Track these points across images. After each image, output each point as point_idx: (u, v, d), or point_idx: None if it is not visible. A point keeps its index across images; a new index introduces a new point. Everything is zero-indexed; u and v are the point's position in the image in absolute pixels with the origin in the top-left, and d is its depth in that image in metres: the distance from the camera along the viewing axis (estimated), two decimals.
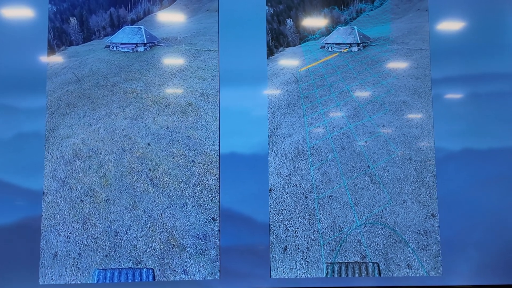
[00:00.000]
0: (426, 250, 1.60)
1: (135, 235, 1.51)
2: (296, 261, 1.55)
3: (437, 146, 1.67)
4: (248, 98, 1.65)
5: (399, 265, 1.58)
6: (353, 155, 1.64)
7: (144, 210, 1.53)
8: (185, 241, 1.53)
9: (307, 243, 1.56)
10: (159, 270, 1.51)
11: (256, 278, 1.55)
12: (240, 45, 1.67)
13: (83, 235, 1.47)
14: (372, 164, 1.64)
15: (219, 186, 1.58)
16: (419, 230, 1.60)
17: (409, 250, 1.59)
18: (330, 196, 1.60)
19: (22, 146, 1.53)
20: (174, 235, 1.52)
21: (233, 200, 1.58)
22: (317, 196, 1.59)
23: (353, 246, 1.57)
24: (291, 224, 1.56)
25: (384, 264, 1.57)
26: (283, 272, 1.54)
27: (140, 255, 1.50)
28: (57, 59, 1.60)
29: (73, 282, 1.46)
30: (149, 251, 1.51)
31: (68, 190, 1.49)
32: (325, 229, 1.56)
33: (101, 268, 1.48)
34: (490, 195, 1.66)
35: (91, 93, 1.61)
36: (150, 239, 1.52)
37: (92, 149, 1.54)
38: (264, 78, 1.67)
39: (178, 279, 1.51)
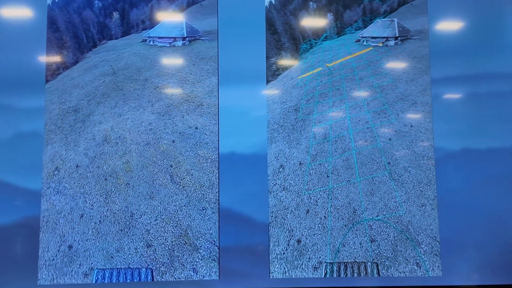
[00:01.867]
0: (437, 256, 1.62)
1: (148, 221, 1.58)
2: (315, 224, 1.61)
3: (436, 146, 1.68)
4: (248, 97, 1.65)
5: (407, 259, 1.61)
6: (375, 149, 1.68)
7: (160, 202, 1.60)
8: (199, 243, 1.58)
9: (325, 213, 1.62)
10: (168, 259, 1.57)
11: (256, 278, 1.57)
12: (240, 44, 1.67)
13: (104, 208, 1.57)
14: (393, 161, 1.67)
15: (218, 186, 1.60)
16: (435, 237, 1.62)
17: (420, 251, 1.62)
18: (348, 180, 1.64)
19: (21, 146, 1.55)
20: (188, 233, 1.58)
21: (233, 200, 1.60)
22: (337, 178, 1.65)
23: (364, 228, 1.62)
24: (313, 194, 1.63)
25: (392, 254, 1.61)
26: (304, 228, 1.59)
27: (152, 240, 1.57)
28: (55, 59, 1.62)
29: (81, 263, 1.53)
30: (160, 239, 1.58)
31: (96, 167, 1.59)
32: (341, 206, 1.63)
33: (100, 268, 1.53)
34: (490, 195, 1.66)
35: (124, 86, 1.67)
36: (162, 229, 1.59)
37: (119, 137, 1.62)
38: (263, 77, 1.67)
39: (184, 275, 1.56)
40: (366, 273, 1.59)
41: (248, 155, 1.62)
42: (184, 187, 1.61)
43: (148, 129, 1.65)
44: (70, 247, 1.50)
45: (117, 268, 1.53)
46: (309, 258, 1.59)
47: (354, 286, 1.59)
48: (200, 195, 1.61)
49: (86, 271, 1.51)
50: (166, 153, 1.64)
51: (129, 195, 1.59)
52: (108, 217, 1.56)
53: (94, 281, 1.51)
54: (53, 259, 1.50)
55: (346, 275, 1.58)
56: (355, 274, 1.58)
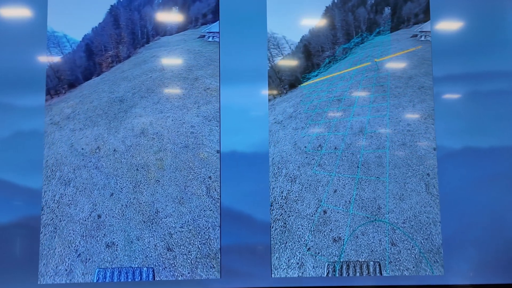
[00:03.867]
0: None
1: (173, 225, 1.57)
2: (340, 204, 1.63)
3: (438, 145, 1.66)
4: (249, 96, 1.64)
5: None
6: (413, 155, 1.65)
7: (190, 211, 1.59)
8: None
9: (350, 198, 1.65)
10: (189, 272, 1.56)
11: (257, 277, 1.57)
12: (241, 43, 1.65)
13: (132, 195, 1.59)
14: (434, 174, 1.65)
15: (220, 185, 1.59)
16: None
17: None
18: (377, 177, 1.64)
19: (21, 145, 1.55)
20: (218, 257, 1.58)
21: (234, 199, 1.59)
22: (366, 171, 1.66)
23: (386, 229, 1.61)
24: (342, 178, 1.66)
25: (414, 267, 1.59)
26: (330, 204, 1.62)
27: (174, 246, 1.56)
28: (54, 58, 1.62)
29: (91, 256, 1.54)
30: (183, 249, 1.57)
31: (130, 156, 1.62)
32: (366, 198, 1.64)
33: (101, 267, 1.53)
34: (491, 194, 1.65)
35: (170, 83, 1.67)
36: (188, 240, 1.58)
37: (157, 133, 1.64)
38: (264, 76, 1.66)
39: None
40: (368, 272, 1.58)
41: (249, 153, 1.61)
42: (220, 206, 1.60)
43: (189, 131, 1.64)
44: (99, 216, 1.56)
45: (119, 267, 1.54)
46: (331, 230, 1.62)
47: (356, 285, 1.59)
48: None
49: (108, 242, 1.55)
50: (207, 162, 1.62)
51: (157, 192, 1.60)
52: (134, 205, 1.59)
53: (95, 280, 1.53)
54: (85, 220, 1.55)
55: (349, 275, 1.58)
56: (357, 274, 1.58)
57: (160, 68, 1.67)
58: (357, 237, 1.60)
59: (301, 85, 1.69)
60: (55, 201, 1.53)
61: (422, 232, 1.61)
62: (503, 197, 1.66)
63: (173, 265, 1.56)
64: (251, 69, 1.65)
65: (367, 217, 1.61)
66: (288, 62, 1.70)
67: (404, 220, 1.62)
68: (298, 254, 1.59)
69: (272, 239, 1.58)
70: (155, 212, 1.58)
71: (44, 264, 1.50)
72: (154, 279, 1.54)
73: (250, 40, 1.66)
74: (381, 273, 1.58)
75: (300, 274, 1.57)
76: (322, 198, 1.63)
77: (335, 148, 1.66)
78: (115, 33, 1.69)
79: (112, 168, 1.59)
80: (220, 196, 1.59)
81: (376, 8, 1.74)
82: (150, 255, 1.55)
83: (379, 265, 1.58)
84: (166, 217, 1.58)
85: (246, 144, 1.61)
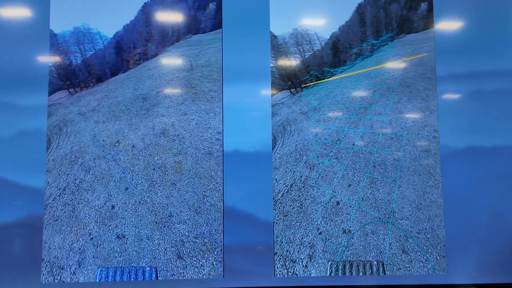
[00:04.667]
0: None
1: (187, 234, 1.53)
2: (353, 198, 1.62)
3: (441, 144, 1.66)
4: (252, 95, 1.61)
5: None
6: (436, 163, 1.64)
7: (207, 224, 1.55)
8: None
9: (363, 195, 1.63)
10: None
11: (260, 277, 1.55)
12: (244, 43, 1.62)
13: (146, 193, 1.57)
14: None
15: (223, 184, 1.56)
16: None
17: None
18: (394, 180, 1.63)
19: (23, 144, 1.54)
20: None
21: (237, 198, 1.57)
22: (383, 172, 1.64)
23: (399, 235, 1.60)
24: (357, 173, 1.66)
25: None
26: (344, 197, 1.62)
27: (185, 255, 1.52)
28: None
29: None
30: (195, 262, 1.54)
31: (148, 155, 1.60)
32: (380, 199, 1.63)
33: (103, 266, 1.52)
34: (495, 193, 1.66)
35: (198, 84, 1.63)
36: (201, 253, 1.54)
37: (178, 135, 1.60)
38: (267, 75, 1.63)
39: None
40: (371, 272, 1.58)
41: (252, 153, 1.58)
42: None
43: (214, 138, 1.58)
44: (113, 207, 1.56)
45: (121, 267, 1.52)
46: (342, 221, 1.62)
47: (360, 285, 1.58)
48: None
49: (119, 234, 1.54)
50: None
51: (172, 195, 1.57)
52: (147, 203, 1.57)
53: (98, 279, 1.51)
54: (100, 208, 1.55)
55: (351, 274, 1.57)
56: (361, 273, 1.58)
57: (188, 68, 1.63)
58: (366, 234, 1.58)
59: (326, 80, 1.67)
60: (76, 185, 1.55)
61: (439, 248, 1.59)
62: (507, 197, 1.66)
63: (182, 274, 1.52)
64: (254, 69, 1.62)
65: (379, 218, 1.60)
66: (316, 57, 1.67)
67: (419, 230, 1.60)
68: (310, 235, 1.59)
69: (289, 216, 1.59)
70: (169, 216, 1.55)
71: (62, 238, 1.51)
72: (157, 278, 1.51)
73: (253, 40, 1.63)
74: (384, 273, 1.57)
75: (311, 254, 1.57)
76: (336, 190, 1.63)
77: (353, 144, 1.65)
78: (145, 31, 1.69)
79: (129, 163, 1.59)
80: (223, 196, 1.55)
81: (410, 4, 1.70)
82: (159, 257, 1.53)
83: (383, 264, 1.57)
84: (180, 223, 1.54)
85: (249, 144, 1.58)
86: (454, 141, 1.65)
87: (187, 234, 1.54)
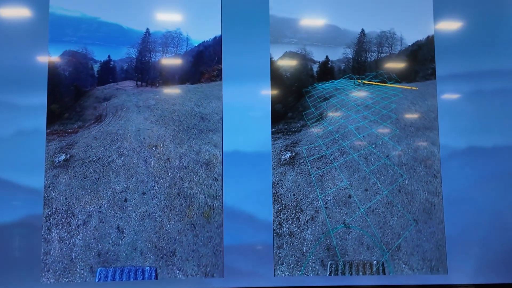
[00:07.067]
0: None
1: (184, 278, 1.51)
2: (365, 203, 1.62)
3: (441, 144, 1.67)
4: (251, 95, 1.62)
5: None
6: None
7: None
8: None
9: (377, 206, 1.63)
10: None
11: (260, 277, 1.55)
12: (243, 42, 1.64)
13: (159, 211, 1.55)
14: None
15: (222, 184, 1.56)
16: None
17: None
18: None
19: (23, 144, 1.53)
20: None
21: (236, 198, 1.56)
22: (408, 204, 1.63)
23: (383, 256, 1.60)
24: (378, 186, 1.65)
25: None
26: (358, 195, 1.62)
27: (186, 278, 1.51)
28: (55, 59, 1.61)
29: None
30: None
31: (179, 177, 1.57)
32: (389, 225, 1.62)
33: (103, 266, 1.51)
34: (495, 193, 1.66)
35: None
36: None
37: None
38: (267, 75, 1.64)
39: None
40: (371, 272, 1.59)
41: (251, 153, 1.59)
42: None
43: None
44: (125, 200, 1.55)
45: (121, 267, 1.51)
46: (346, 213, 1.62)
47: (360, 285, 1.59)
48: None
49: (120, 226, 1.53)
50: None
51: (185, 235, 1.53)
52: (156, 223, 1.54)
53: (97, 280, 1.50)
54: (115, 193, 1.55)
55: (351, 274, 1.58)
56: (360, 273, 1.58)
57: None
58: (380, 242, 1.60)
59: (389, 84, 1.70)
60: (107, 161, 1.56)
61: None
62: (507, 196, 1.66)
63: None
64: (254, 69, 1.62)
65: (380, 241, 1.60)
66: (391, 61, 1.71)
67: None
68: (320, 202, 1.60)
69: (312, 177, 1.61)
70: (172, 252, 1.52)
71: (82, 195, 1.51)
72: (156, 278, 1.51)
73: (253, 39, 1.64)
74: (384, 273, 1.58)
75: (314, 216, 1.59)
76: (353, 184, 1.63)
77: (387, 156, 1.66)
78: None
79: (156, 173, 1.57)
80: (222, 196, 1.55)
81: None
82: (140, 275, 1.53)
83: (383, 264, 1.58)
84: (181, 265, 1.51)
85: (248, 144, 1.58)
86: (454, 141, 1.66)
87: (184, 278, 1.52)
